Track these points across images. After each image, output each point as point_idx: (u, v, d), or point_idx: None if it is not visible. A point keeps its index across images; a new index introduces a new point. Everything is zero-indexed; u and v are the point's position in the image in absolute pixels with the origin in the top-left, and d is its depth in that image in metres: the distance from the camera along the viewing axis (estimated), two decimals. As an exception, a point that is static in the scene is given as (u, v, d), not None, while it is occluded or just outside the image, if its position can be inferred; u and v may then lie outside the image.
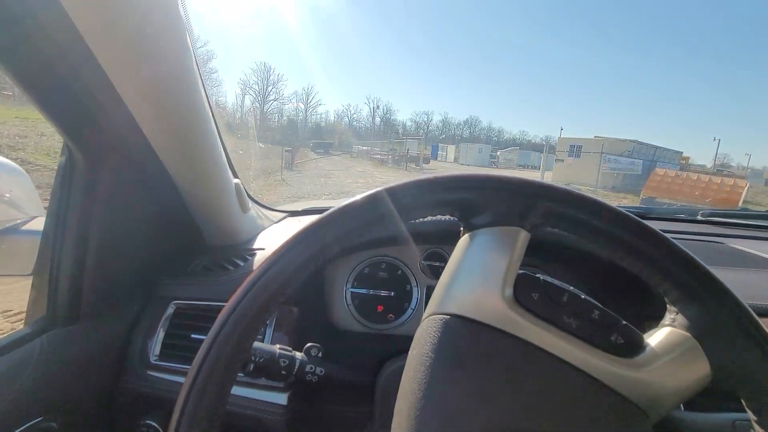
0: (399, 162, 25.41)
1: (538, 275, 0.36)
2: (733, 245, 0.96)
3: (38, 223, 0.75)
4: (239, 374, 0.38)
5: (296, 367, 0.62)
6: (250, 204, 1.03)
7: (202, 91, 0.73)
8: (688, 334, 0.34)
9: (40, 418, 0.63)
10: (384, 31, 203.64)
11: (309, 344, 0.67)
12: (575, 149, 23.83)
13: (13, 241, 0.77)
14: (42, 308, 0.72)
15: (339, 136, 62.13)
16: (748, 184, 13.70)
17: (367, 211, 0.36)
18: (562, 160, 23.96)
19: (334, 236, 0.36)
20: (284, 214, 1.22)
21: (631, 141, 24.63)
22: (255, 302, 0.35)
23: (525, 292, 0.34)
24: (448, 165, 37.85)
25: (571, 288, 0.35)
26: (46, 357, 0.66)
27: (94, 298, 0.74)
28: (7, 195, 0.78)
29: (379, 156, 28.70)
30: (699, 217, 1.24)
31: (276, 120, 71.20)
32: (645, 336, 0.35)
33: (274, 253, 0.36)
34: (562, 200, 0.35)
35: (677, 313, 0.35)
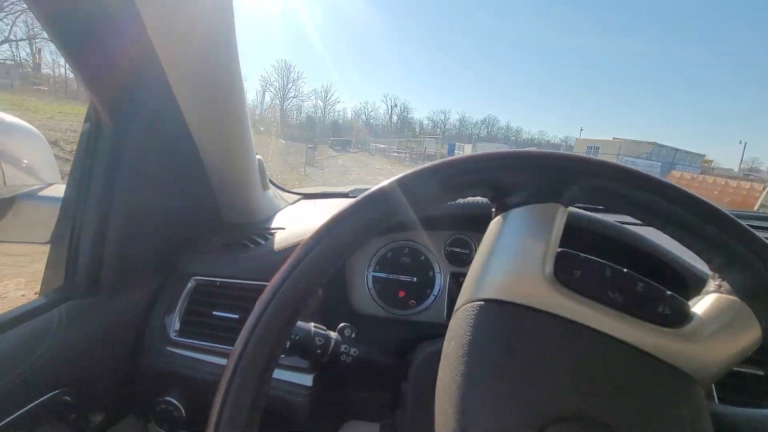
0: (416, 160, 25.67)
1: (577, 252, 0.35)
2: None
3: (55, 190, 0.73)
4: None
5: (331, 346, 0.61)
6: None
7: (238, 67, 0.72)
8: (735, 299, 0.33)
9: (58, 391, 0.62)
10: (402, 30, 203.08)
11: (342, 324, 0.66)
12: (592, 150, 23.65)
13: (30, 208, 0.75)
14: (59, 278, 0.70)
15: (356, 133, 62.51)
16: (766, 188, 13.46)
17: (407, 192, 0.35)
18: (580, 162, 23.82)
19: (381, 214, 0.35)
20: (299, 197, 1.22)
21: (649, 143, 24.34)
22: (299, 284, 0.34)
23: (566, 271, 0.33)
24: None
25: (612, 263, 0.35)
26: (64, 328, 0.65)
27: (114, 270, 0.72)
28: (26, 161, 0.75)
29: (396, 154, 28.98)
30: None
31: (295, 117, 71.99)
32: (690, 305, 0.35)
33: (318, 232, 0.35)
34: (601, 173, 0.34)
35: (722, 279, 0.35)
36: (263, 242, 0.87)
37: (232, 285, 0.80)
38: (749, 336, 0.32)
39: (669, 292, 0.34)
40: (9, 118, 0.75)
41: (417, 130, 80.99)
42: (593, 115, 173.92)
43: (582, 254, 0.34)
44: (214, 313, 0.77)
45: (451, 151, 47.04)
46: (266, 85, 71.40)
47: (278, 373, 0.72)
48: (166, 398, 0.73)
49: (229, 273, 0.80)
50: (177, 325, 0.77)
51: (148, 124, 0.69)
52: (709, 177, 16.42)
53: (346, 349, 0.64)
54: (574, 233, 0.77)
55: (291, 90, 70.55)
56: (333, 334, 0.63)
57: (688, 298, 0.35)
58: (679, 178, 15.67)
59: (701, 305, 0.34)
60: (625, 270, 0.34)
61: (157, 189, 0.76)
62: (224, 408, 0.32)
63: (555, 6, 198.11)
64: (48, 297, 0.69)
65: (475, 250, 0.85)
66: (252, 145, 0.86)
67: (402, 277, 0.90)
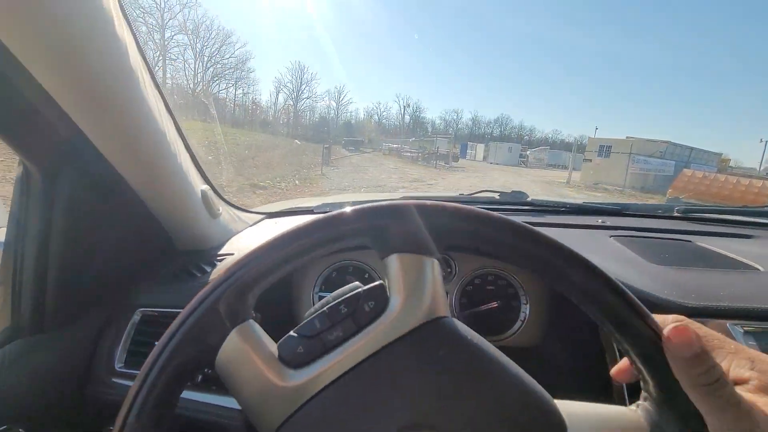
0: (429, 160, 25.91)
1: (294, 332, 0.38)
2: (701, 243, 0.94)
3: (1, 234, 0.74)
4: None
5: None
6: (223, 207, 1.02)
7: (154, 100, 0.71)
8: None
9: (5, 427, 0.64)
10: (415, 30, 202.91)
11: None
12: (605, 149, 23.67)
13: None
14: (6, 319, 0.72)
15: (369, 133, 63.09)
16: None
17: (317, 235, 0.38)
18: (590, 160, 23.87)
19: (365, 226, 0.39)
20: (262, 216, 1.21)
21: (663, 142, 24.23)
22: (269, 256, 0.38)
23: (289, 352, 0.37)
24: (477, 164, 37.99)
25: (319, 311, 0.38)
26: (8, 366, 0.66)
27: (57, 307, 0.74)
28: None
29: (409, 154, 29.33)
30: (675, 213, 1.21)
31: (308, 118, 73.03)
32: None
33: (228, 268, 0.38)
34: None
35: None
36: (209, 269, 0.88)
37: (174, 314, 0.83)
38: None
39: (358, 290, 0.39)
40: None
41: (429, 129, 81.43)
42: (609, 114, 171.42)
43: (295, 330, 0.38)
44: (156, 342, 0.84)
45: (463, 151, 47.19)
46: (280, 87, 72.56)
47: (209, 398, 0.73)
48: (112, 428, 0.77)
49: (173, 302, 0.82)
50: (123, 357, 0.79)
51: (75, 171, 0.70)
52: (721, 175, 16.43)
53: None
54: None
55: (305, 91, 71.57)
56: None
57: None
58: (690, 176, 15.73)
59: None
60: (320, 309, 0.38)
61: (96, 225, 0.78)
62: (178, 331, 0.36)
63: (571, 4, 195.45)
64: (-5, 338, 0.70)
65: (457, 269, 0.90)
66: (190, 180, 0.86)
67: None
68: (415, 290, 0.37)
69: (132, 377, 0.77)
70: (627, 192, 18.51)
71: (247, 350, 0.37)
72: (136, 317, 0.82)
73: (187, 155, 0.85)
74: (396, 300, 0.38)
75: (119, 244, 0.84)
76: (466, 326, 0.39)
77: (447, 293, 0.89)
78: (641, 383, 0.36)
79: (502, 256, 0.38)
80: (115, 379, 0.77)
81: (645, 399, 0.36)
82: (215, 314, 0.37)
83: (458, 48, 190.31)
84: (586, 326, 0.78)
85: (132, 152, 0.72)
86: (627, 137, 25.40)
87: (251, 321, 0.39)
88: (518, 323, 0.90)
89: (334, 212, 0.39)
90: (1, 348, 0.68)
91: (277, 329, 0.98)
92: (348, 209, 0.39)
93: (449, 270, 0.91)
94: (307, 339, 0.37)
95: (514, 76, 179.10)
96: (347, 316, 0.38)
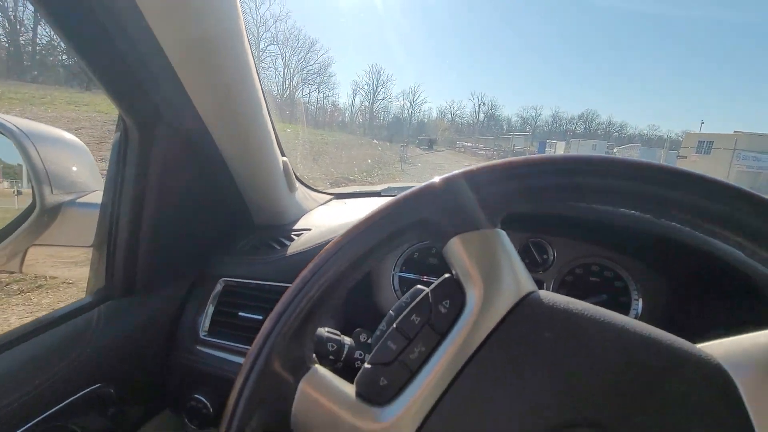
0: (504, 157, 25.72)
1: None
2: None
3: (98, 197, 0.78)
4: None
5: (345, 352, 0.58)
6: (298, 185, 1.03)
7: (254, 74, 0.74)
8: None
9: (99, 385, 0.66)
10: (492, 27, 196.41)
11: (358, 329, 0.62)
12: (704, 145, 21.52)
13: (77, 214, 0.82)
14: (101, 279, 0.76)
15: (442, 132, 63.17)
16: None
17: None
18: (685, 157, 21.85)
19: (409, 222, 0.35)
20: (330, 197, 1.21)
21: (779, 135, 21.30)
22: (314, 291, 0.35)
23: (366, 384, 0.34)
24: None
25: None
26: (103, 326, 0.69)
27: (147, 272, 0.77)
28: (74, 168, 0.83)
29: (483, 152, 29.30)
30: None
31: (383, 118, 75.12)
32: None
33: (339, 239, 0.36)
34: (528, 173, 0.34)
35: None
36: (288, 243, 0.89)
37: (256, 286, 0.82)
38: None
39: (424, 292, 0.36)
40: (54, 131, 0.83)
41: (505, 127, 79.01)
42: (721, 108, 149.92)
43: (369, 361, 0.34)
44: (240, 314, 0.79)
45: (541, 149, 45.22)
46: (357, 89, 75.53)
47: None
48: (196, 395, 0.76)
49: (254, 274, 0.83)
50: (206, 325, 0.80)
51: (173, 134, 0.73)
52: None
53: (360, 355, 0.60)
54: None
55: (380, 92, 73.71)
56: (347, 340, 0.60)
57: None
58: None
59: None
60: (388, 328, 0.35)
61: (185, 195, 0.80)
62: (238, 405, 0.33)
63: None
64: (90, 297, 0.75)
65: (555, 256, 0.84)
66: (275, 149, 0.88)
67: (429, 278, 0.87)
68: (491, 272, 0.33)
69: (215, 346, 0.78)
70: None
71: (322, 400, 0.34)
72: (219, 287, 0.83)
73: (272, 127, 0.87)
74: (473, 290, 0.33)
75: (205, 214, 0.86)
76: (558, 294, 0.34)
77: (543, 282, 0.84)
78: None
79: (583, 199, 0.34)
80: (199, 347, 0.79)
81: None
82: (272, 373, 0.34)
83: (536, 42, 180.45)
84: (717, 328, 0.66)
85: (229, 117, 0.74)
86: (734, 131, 22.78)
87: (316, 367, 0.36)
88: None
89: (367, 218, 0.35)
90: (96, 308, 0.71)
91: (358, 308, 0.83)
92: (381, 208, 0.35)
93: (545, 256, 0.84)
94: (385, 366, 0.33)
95: (603, 68, 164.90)
96: (423, 326, 0.33)
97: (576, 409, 0.30)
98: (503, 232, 0.35)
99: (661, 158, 22.90)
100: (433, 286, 0.35)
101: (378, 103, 74.42)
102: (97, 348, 0.67)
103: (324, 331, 0.57)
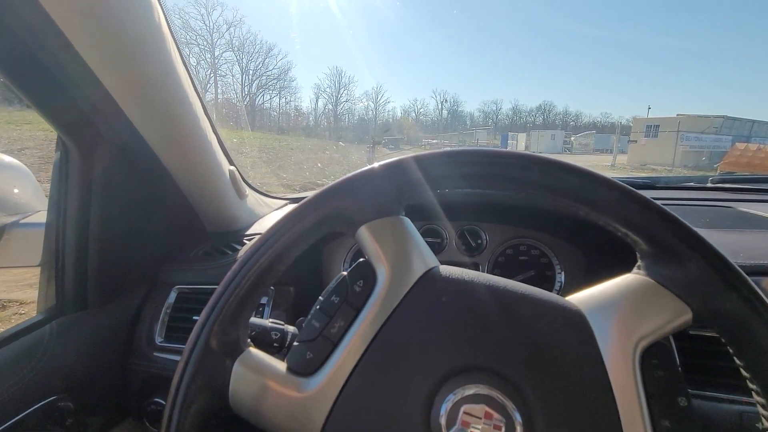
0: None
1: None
2: (742, 208, 0.92)
3: (42, 216, 0.79)
4: None
5: (288, 339, 0.60)
6: (249, 191, 1.04)
7: (189, 85, 0.75)
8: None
9: (54, 398, 0.67)
10: (448, 22, 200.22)
11: (300, 318, 0.63)
12: (652, 129, 22.85)
13: (22, 234, 0.81)
14: (51, 297, 0.76)
15: (407, 131, 63.65)
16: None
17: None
18: (635, 141, 23.17)
19: (322, 215, 0.40)
20: (285, 201, 1.23)
21: (718, 117, 22.92)
22: (244, 281, 0.38)
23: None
24: (518, 153, 37.47)
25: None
26: (56, 341, 0.70)
27: (99, 285, 0.78)
28: (16, 190, 0.83)
29: (449, 148, 29.85)
30: (708, 184, 1.19)
31: (347, 120, 74.85)
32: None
33: (264, 234, 0.40)
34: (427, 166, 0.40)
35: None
36: (239, 248, 0.91)
37: (209, 290, 0.80)
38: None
39: (342, 275, 0.40)
40: None
41: (468, 123, 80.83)
42: (665, 92, 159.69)
43: (298, 339, 0.39)
44: (194, 318, 0.79)
45: (504, 141, 46.44)
46: (319, 92, 74.93)
47: None
48: (156, 399, 0.78)
49: (207, 279, 0.85)
50: (162, 332, 0.82)
51: (113, 150, 0.74)
52: (778, 146, 15.61)
53: None
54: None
55: (343, 95, 73.37)
56: (290, 328, 0.62)
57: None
58: (743, 150, 15.10)
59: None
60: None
61: (131, 208, 0.81)
62: (180, 384, 0.37)
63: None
64: (42, 315, 0.75)
65: (448, 239, 0.93)
66: (220, 158, 0.89)
67: None
68: (396, 252, 0.39)
69: (172, 351, 0.80)
70: (676, 171, 17.96)
71: (257, 378, 0.38)
72: (173, 294, 0.85)
73: (215, 136, 0.88)
74: (382, 269, 0.38)
75: (154, 225, 0.88)
76: (457, 268, 0.40)
77: (478, 265, 0.91)
78: (634, 247, 0.38)
79: (480, 185, 0.40)
80: (156, 353, 0.81)
81: (641, 258, 0.38)
82: (210, 354, 0.37)
83: (494, 38, 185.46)
84: None
85: (167, 131, 0.75)
86: (678, 114, 24.30)
87: (250, 349, 0.40)
88: (553, 292, 0.88)
89: (285, 215, 0.40)
90: (48, 324, 0.72)
91: (308, 303, 0.85)
92: (297, 206, 0.40)
93: (480, 241, 0.91)
94: (311, 342, 0.38)
95: (556, 61, 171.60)
96: (341, 304, 0.38)
97: (462, 357, 0.36)
98: (406, 219, 0.41)
99: (614, 143, 24.14)
100: (349, 269, 0.41)
101: (341, 105, 74.12)
102: (51, 362, 0.68)
103: (268, 321, 0.60)
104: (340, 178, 0.40)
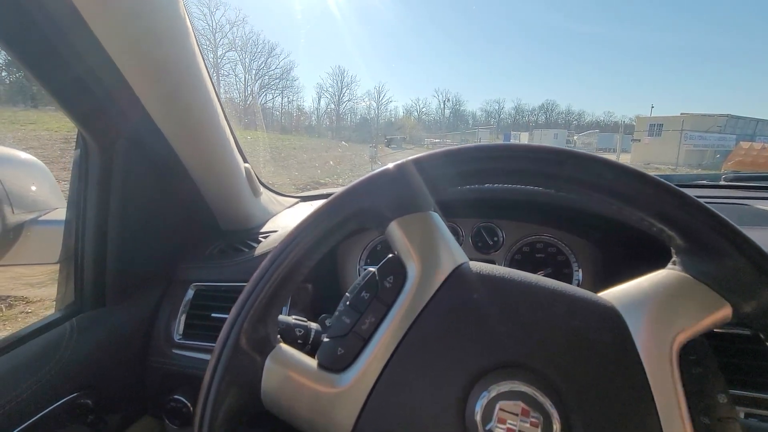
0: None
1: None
2: (759, 206, 0.91)
3: (60, 214, 0.80)
4: None
5: (311, 336, 0.60)
6: (263, 190, 1.05)
7: (208, 81, 0.76)
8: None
9: (75, 394, 0.68)
10: (451, 22, 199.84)
11: (323, 315, 0.66)
12: (655, 128, 22.78)
13: (41, 231, 0.82)
14: (70, 294, 0.77)
15: (409, 130, 63.59)
16: None
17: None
18: (639, 140, 23.09)
19: (351, 212, 0.40)
20: (296, 200, 1.24)
21: (722, 116, 22.82)
22: (273, 279, 0.38)
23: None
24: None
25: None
26: (76, 339, 0.70)
27: (117, 282, 0.78)
28: (33, 188, 0.83)
29: (479, 143, 29.97)
30: (722, 182, 1.18)
31: (350, 119, 74.89)
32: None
33: (292, 231, 0.40)
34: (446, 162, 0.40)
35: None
36: (255, 245, 0.91)
37: (226, 288, 0.84)
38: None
39: (372, 271, 0.40)
40: (8, 151, 0.83)
41: (470, 122, 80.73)
42: (667, 91, 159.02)
43: (328, 335, 0.39)
44: (213, 315, 0.82)
45: (506, 141, 46.46)
46: (322, 92, 74.99)
47: None
48: (175, 396, 0.79)
49: (223, 277, 0.85)
50: (181, 329, 0.83)
51: (132, 146, 0.74)
52: (784, 145, 15.52)
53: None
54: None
55: (345, 94, 73.42)
56: (313, 325, 0.63)
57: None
58: (747, 149, 15.01)
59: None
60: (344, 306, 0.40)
61: (150, 206, 0.82)
62: (212, 383, 0.37)
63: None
64: (62, 312, 0.76)
65: (464, 236, 0.92)
66: (236, 156, 0.90)
67: None
68: (426, 248, 0.39)
69: (191, 348, 0.80)
70: (680, 170, 17.90)
71: (289, 374, 0.38)
72: (191, 292, 0.85)
73: (231, 135, 0.89)
74: (412, 265, 0.38)
75: (171, 223, 0.88)
76: (487, 264, 0.40)
77: (495, 262, 0.89)
78: (669, 243, 0.37)
79: (509, 180, 0.39)
80: (175, 350, 0.81)
81: (676, 254, 0.37)
82: (240, 352, 0.38)
83: (497, 36, 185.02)
84: None
85: (184, 124, 0.75)
86: (681, 113, 24.20)
87: (280, 345, 0.40)
88: None
89: (314, 212, 0.40)
90: (68, 321, 0.72)
91: (326, 301, 0.86)
92: (326, 202, 0.40)
93: (496, 239, 0.91)
94: (342, 339, 0.38)
95: (558, 59, 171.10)
96: (372, 300, 0.38)
97: (497, 354, 0.35)
98: (435, 214, 0.41)
99: (617, 143, 24.04)
100: (379, 265, 0.40)
101: (344, 104, 74.18)
102: (71, 359, 0.69)
103: (291, 318, 0.61)
104: (369, 174, 0.40)
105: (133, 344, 0.81)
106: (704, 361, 0.35)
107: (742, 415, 0.58)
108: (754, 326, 0.35)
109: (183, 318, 0.84)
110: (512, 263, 0.91)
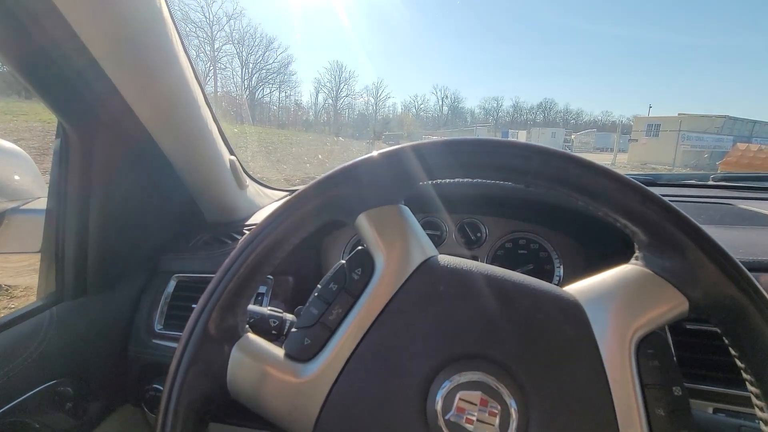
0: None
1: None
2: (742, 206, 0.92)
3: (43, 203, 0.79)
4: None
5: (286, 327, 0.60)
6: (249, 182, 1.04)
7: (189, 72, 0.75)
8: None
9: (54, 381, 0.68)
10: (450, 19, 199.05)
11: (299, 307, 0.63)
12: (653, 128, 22.84)
13: (22, 220, 0.81)
14: (51, 283, 0.77)
15: (407, 127, 63.49)
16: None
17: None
18: (636, 140, 23.18)
19: (320, 203, 0.39)
20: (285, 193, 1.23)
21: (719, 117, 22.90)
22: (242, 269, 0.39)
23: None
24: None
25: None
26: (56, 327, 0.71)
27: (98, 272, 0.78)
28: (16, 177, 0.82)
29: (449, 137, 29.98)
30: (710, 182, 1.19)
31: (347, 115, 74.65)
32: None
33: (262, 221, 0.39)
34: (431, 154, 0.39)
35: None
36: (239, 238, 0.91)
37: (208, 279, 0.80)
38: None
39: (341, 263, 0.40)
40: None
41: (468, 119, 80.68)
42: (665, 91, 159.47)
43: (296, 325, 0.39)
44: (194, 306, 0.80)
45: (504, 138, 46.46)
46: (319, 87, 74.66)
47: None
48: (154, 385, 0.79)
49: (206, 268, 0.85)
50: (161, 320, 0.83)
51: (113, 136, 0.74)
52: (781, 146, 15.60)
53: None
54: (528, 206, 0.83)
55: (343, 89, 73.12)
56: (289, 316, 0.63)
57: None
58: (744, 150, 15.06)
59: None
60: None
61: (132, 196, 0.82)
62: (179, 369, 0.37)
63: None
64: (43, 300, 0.76)
65: (447, 232, 0.93)
66: (220, 147, 0.89)
67: None
68: (394, 241, 0.39)
69: (171, 338, 0.80)
70: (677, 170, 18.00)
71: (255, 363, 0.38)
72: (172, 282, 0.86)
73: (215, 125, 0.88)
74: (380, 257, 0.39)
75: (154, 214, 0.88)
76: (455, 257, 0.40)
77: (477, 258, 0.91)
78: (632, 238, 0.38)
79: (480, 175, 0.39)
80: (155, 340, 0.81)
81: (639, 249, 0.38)
82: (209, 339, 0.38)
83: (496, 34, 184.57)
84: None
85: (166, 115, 0.75)
86: (679, 114, 24.29)
87: (248, 335, 0.40)
88: None
89: (284, 203, 0.40)
90: (48, 309, 0.72)
91: (307, 293, 0.85)
92: (296, 194, 0.40)
93: (479, 234, 0.92)
94: (309, 329, 0.38)
95: (557, 58, 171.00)
96: (339, 291, 0.39)
97: (459, 345, 0.36)
98: (405, 207, 0.41)
99: (615, 142, 24.14)
100: (348, 257, 0.41)
101: (342, 100, 73.88)
102: (51, 347, 0.69)
103: (266, 309, 0.61)
104: (340, 166, 0.40)
105: (114, 334, 0.81)
106: (661, 354, 0.35)
107: (710, 411, 0.59)
108: (711, 320, 0.36)
109: (164, 309, 0.84)
110: (495, 259, 0.92)
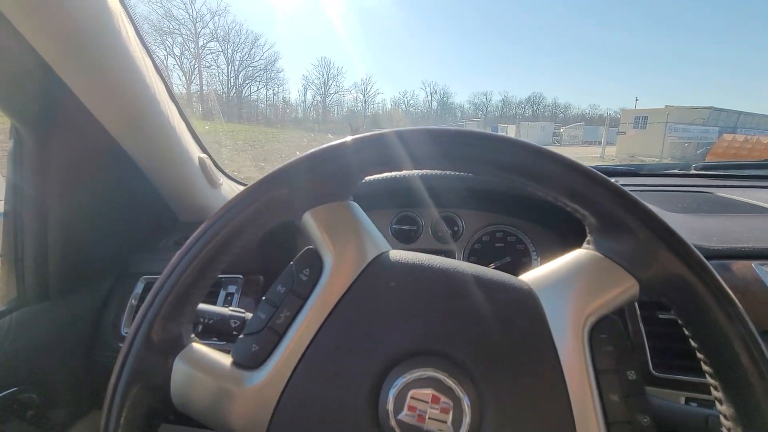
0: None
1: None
2: (721, 194, 0.93)
3: (1, 206, 0.76)
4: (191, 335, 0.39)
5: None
6: (224, 180, 1.02)
7: (149, 67, 0.72)
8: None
9: (15, 389, 0.66)
10: (438, 14, 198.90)
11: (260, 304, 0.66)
12: (641, 120, 23.12)
13: None
14: (12, 288, 0.74)
15: (396, 123, 63.47)
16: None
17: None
18: (624, 133, 23.47)
19: (263, 203, 0.37)
20: None
21: (705, 108, 23.23)
22: (184, 275, 0.37)
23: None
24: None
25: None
26: (15, 333, 0.68)
27: (60, 276, 0.75)
28: None
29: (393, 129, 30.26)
30: (692, 171, 1.20)
31: (336, 112, 74.31)
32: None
33: (203, 225, 0.38)
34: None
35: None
36: None
37: None
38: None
39: (289, 265, 0.38)
40: None
41: (458, 114, 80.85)
42: (652, 84, 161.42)
43: (243, 333, 0.38)
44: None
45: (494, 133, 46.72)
46: (308, 84, 74.19)
47: None
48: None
49: None
50: (129, 322, 0.80)
51: (69, 135, 0.71)
52: (763, 138, 15.91)
53: None
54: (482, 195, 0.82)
55: (332, 86, 72.74)
56: (249, 315, 0.59)
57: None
58: (730, 141, 15.36)
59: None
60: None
61: (94, 197, 0.78)
62: (117, 386, 0.35)
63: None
64: (2, 307, 0.73)
65: (423, 226, 0.91)
66: (187, 145, 0.86)
67: None
68: (342, 238, 0.37)
69: None
70: (664, 162, 18.27)
71: (198, 374, 0.36)
72: (140, 284, 0.83)
73: (182, 122, 0.85)
74: (328, 257, 0.37)
75: (120, 215, 0.85)
76: (408, 252, 0.39)
77: (454, 252, 0.91)
78: (583, 221, 0.37)
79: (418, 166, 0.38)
80: (121, 344, 0.76)
81: (590, 233, 0.37)
82: (149, 353, 0.36)
83: (484, 29, 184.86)
84: None
85: (123, 113, 0.72)
86: (666, 106, 24.61)
87: (192, 344, 0.38)
88: None
89: (223, 207, 0.38)
90: (8, 316, 0.70)
91: None
92: (236, 196, 0.38)
93: (456, 228, 0.91)
94: (257, 335, 0.37)
95: (545, 52, 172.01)
96: (287, 294, 0.37)
97: (410, 342, 0.35)
98: (353, 204, 0.40)
99: (603, 135, 24.39)
100: (295, 258, 0.39)
101: (330, 97, 73.45)
102: (11, 354, 0.67)
103: (227, 309, 0.58)
104: (283, 163, 0.38)
105: (78, 338, 0.78)
106: (615, 338, 0.35)
107: (682, 400, 0.58)
108: (663, 301, 0.35)
109: (131, 311, 0.81)
110: (472, 253, 0.91)
